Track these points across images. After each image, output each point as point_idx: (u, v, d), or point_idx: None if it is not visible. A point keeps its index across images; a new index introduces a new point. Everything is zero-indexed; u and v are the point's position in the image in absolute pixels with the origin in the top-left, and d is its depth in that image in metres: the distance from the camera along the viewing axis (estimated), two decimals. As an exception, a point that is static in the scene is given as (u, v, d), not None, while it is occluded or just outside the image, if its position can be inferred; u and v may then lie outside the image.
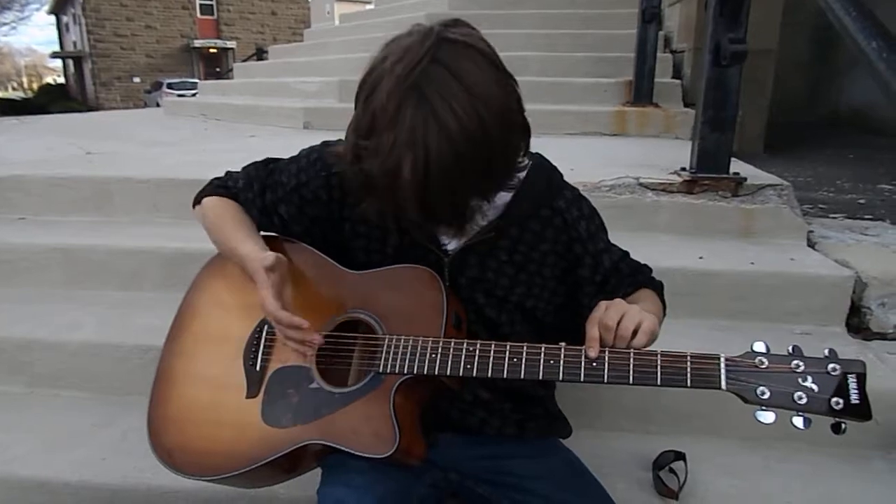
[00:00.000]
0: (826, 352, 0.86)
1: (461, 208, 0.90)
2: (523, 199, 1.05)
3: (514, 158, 0.93)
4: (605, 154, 2.84)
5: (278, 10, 31.81)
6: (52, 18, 35.72)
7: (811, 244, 2.00)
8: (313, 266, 1.15)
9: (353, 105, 0.91)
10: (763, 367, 0.86)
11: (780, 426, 0.83)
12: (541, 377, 0.93)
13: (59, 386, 1.73)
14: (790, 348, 0.87)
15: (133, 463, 1.42)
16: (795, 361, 0.86)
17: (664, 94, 3.57)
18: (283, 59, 6.10)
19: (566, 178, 1.16)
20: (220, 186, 1.22)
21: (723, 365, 0.87)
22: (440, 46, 0.83)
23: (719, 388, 0.87)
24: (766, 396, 0.85)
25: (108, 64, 28.46)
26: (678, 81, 3.74)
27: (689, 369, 0.88)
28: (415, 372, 0.98)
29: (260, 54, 10.26)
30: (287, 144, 1.31)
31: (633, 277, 1.13)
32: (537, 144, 1.03)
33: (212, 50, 30.31)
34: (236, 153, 3.02)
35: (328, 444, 1.00)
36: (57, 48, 35.50)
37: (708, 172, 2.07)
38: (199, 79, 22.39)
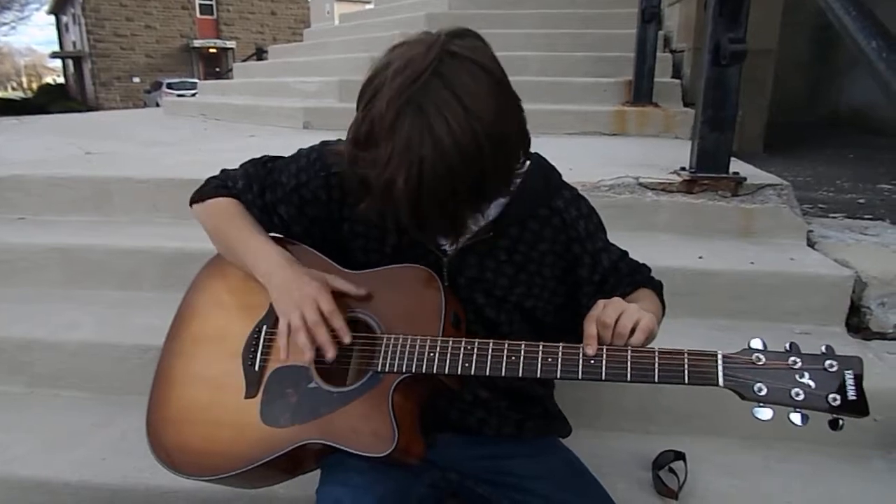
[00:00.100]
0: (823, 348, 0.86)
1: (453, 219, 0.91)
2: (522, 199, 1.05)
3: (508, 173, 0.94)
4: (605, 154, 2.84)
5: (278, 9, 31.81)
6: (52, 18, 35.74)
7: (811, 244, 2.00)
8: (313, 266, 1.15)
9: (352, 105, 0.91)
10: (760, 363, 0.87)
11: (780, 425, 0.83)
12: (539, 375, 0.94)
13: (59, 386, 1.73)
14: (787, 345, 0.88)
15: (133, 463, 1.41)
16: (792, 358, 0.86)
17: (664, 93, 3.57)
18: (282, 59, 6.10)
19: (566, 178, 1.16)
20: (221, 187, 1.22)
21: (720, 362, 0.88)
22: (443, 60, 0.84)
23: (716, 384, 0.87)
24: (763, 393, 0.85)
25: (108, 64, 28.45)
26: (678, 81, 3.74)
27: (686, 366, 0.89)
28: (413, 371, 0.98)
29: (260, 54, 10.26)
30: (287, 144, 1.31)
31: (631, 277, 1.14)
32: (537, 144, 1.03)
33: (211, 50, 30.31)
34: (236, 153, 2.99)
35: (327, 443, 1.00)
36: (56, 48, 35.52)
37: (707, 172, 2.06)
38: (199, 79, 22.39)
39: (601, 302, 0.96)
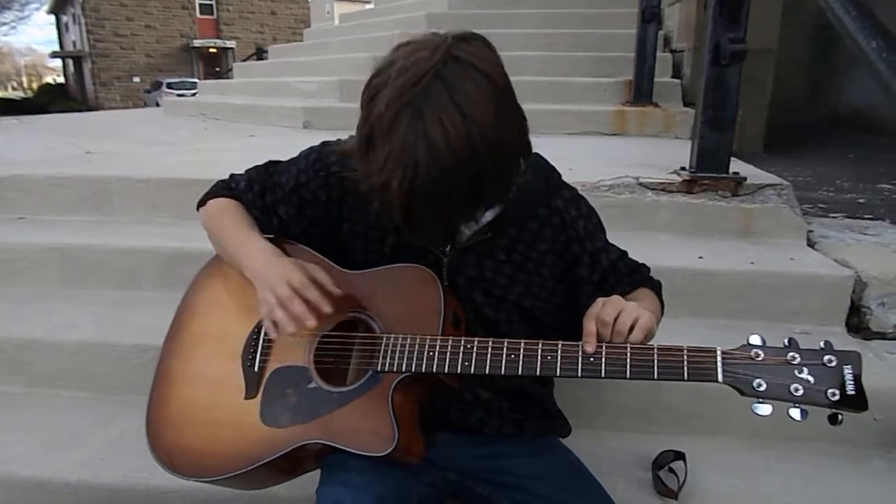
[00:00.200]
0: (822, 344, 0.86)
1: (446, 224, 0.91)
2: (521, 199, 1.05)
3: (506, 181, 0.93)
4: (605, 154, 2.84)
5: (278, 9, 31.80)
6: (52, 18, 35.73)
7: (811, 244, 2.00)
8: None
9: (352, 105, 0.92)
10: (759, 359, 0.87)
11: (780, 425, 0.84)
12: (538, 373, 0.94)
13: (59, 386, 1.73)
14: (786, 341, 0.88)
15: (132, 463, 1.41)
16: (791, 353, 0.86)
17: (664, 93, 3.57)
18: (282, 59, 6.10)
19: (566, 178, 1.16)
20: (223, 188, 1.23)
21: (719, 358, 0.88)
22: (447, 63, 0.83)
23: (716, 380, 0.87)
24: (762, 388, 0.85)
25: (108, 64, 28.45)
26: (678, 81, 3.74)
27: (685, 363, 0.89)
28: (412, 370, 0.98)
29: (260, 54, 10.26)
30: (287, 144, 1.31)
31: (631, 276, 1.14)
32: (537, 144, 1.03)
33: (211, 50, 30.31)
34: (236, 153, 3.02)
35: (327, 443, 1.00)
36: (57, 48, 35.50)
37: (708, 172, 2.06)
38: (199, 78, 22.40)
39: (600, 300, 0.96)
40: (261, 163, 1.24)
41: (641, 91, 3.50)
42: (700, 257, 1.84)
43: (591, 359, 0.92)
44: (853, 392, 0.82)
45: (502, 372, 0.95)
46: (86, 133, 4.28)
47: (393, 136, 0.82)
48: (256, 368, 1.11)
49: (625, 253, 1.17)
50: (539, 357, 0.94)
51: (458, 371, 0.97)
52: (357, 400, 1.01)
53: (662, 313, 1.15)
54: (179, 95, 14.31)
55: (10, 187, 2.35)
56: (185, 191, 2.14)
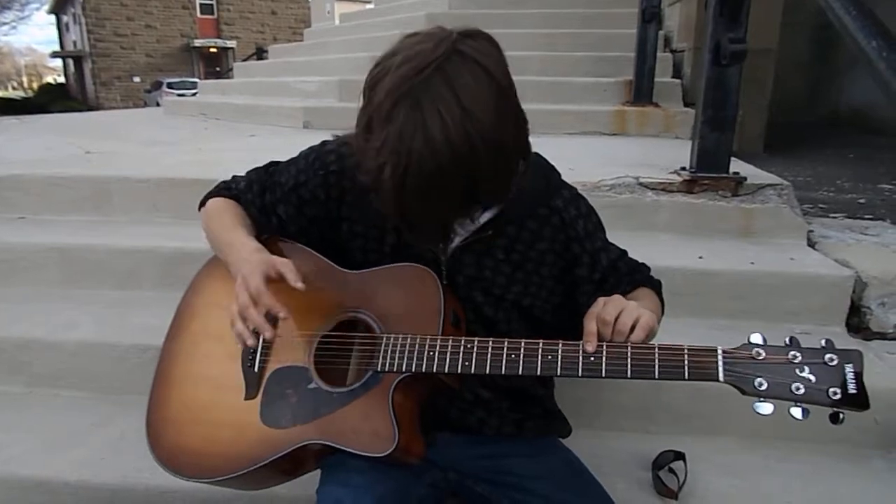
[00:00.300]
0: (823, 342, 0.86)
1: (438, 218, 0.91)
2: (521, 198, 1.05)
3: (502, 183, 0.92)
4: (605, 154, 2.84)
5: (278, 9, 31.81)
6: (52, 18, 35.72)
7: (811, 244, 2.00)
8: (311, 266, 1.15)
9: (352, 105, 0.92)
10: (760, 358, 0.87)
11: (780, 425, 0.84)
12: (539, 372, 0.94)
13: (58, 385, 1.73)
14: (787, 339, 0.88)
15: (132, 463, 1.41)
16: (792, 352, 0.86)
17: (664, 93, 3.57)
18: (283, 59, 6.10)
19: (566, 178, 1.16)
20: (223, 189, 1.24)
21: (720, 357, 0.88)
22: (450, 58, 0.83)
23: (717, 380, 0.87)
24: (763, 387, 0.85)
25: (108, 63, 28.46)
26: (678, 81, 3.74)
27: (686, 362, 0.89)
28: (413, 370, 0.98)
29: (260, 54, 10.26)
30: (287, 144, 1.31)
31: (631, 276, 1.14)
32: (537, 144, 1.03)
33: (212, 49, 30.31)
34: (236, 153, 3.02)
35: (327, 443, 1.00)
36: (57, 48, 35.51)
37: (708, 172, 2.06)
38: (199, 78, 22.39)
39: (601, 299, 0.96)
40: (262, 164, 1.24)
41: (642, 91, 3.50)
42: (700, 257, 1.83)
43: (592, 358, 0.91)
44: (855, 391, 0.82)
45: (503, 372, 0.95)
46: (86, 133, 4.28)
47: (390, 125, 0.82)
48: (256, 369, 1.10)
49: (624, 252, 1.17)
50: (539, 357, 0.94)
51: (459, 371, 0.97)
52: (357, 400, 1.01)
53: (663, 313, 1.15)
54: (180, 95, 14.32)
55: (10, 187, 2.35)
56: (185, 191, 2.14)
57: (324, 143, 1.15)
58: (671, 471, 1.39)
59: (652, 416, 1.54)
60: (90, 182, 2.33)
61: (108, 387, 1.70)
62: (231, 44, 30.01)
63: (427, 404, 1.07)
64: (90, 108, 23.21)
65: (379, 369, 1.00)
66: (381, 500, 0.98)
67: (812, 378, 0.84)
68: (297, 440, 1.02)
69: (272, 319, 1.01)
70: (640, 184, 2.07)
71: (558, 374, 0.94)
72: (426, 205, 0.86)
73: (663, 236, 2.05)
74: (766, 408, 0.85)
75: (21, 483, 1.42)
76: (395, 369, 0.99)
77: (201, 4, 30.07)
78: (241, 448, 1.05)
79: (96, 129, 4.68)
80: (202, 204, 1.24)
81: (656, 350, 0.90)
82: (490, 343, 0.97)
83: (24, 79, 60.75)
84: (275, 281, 1.03)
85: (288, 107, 4.11)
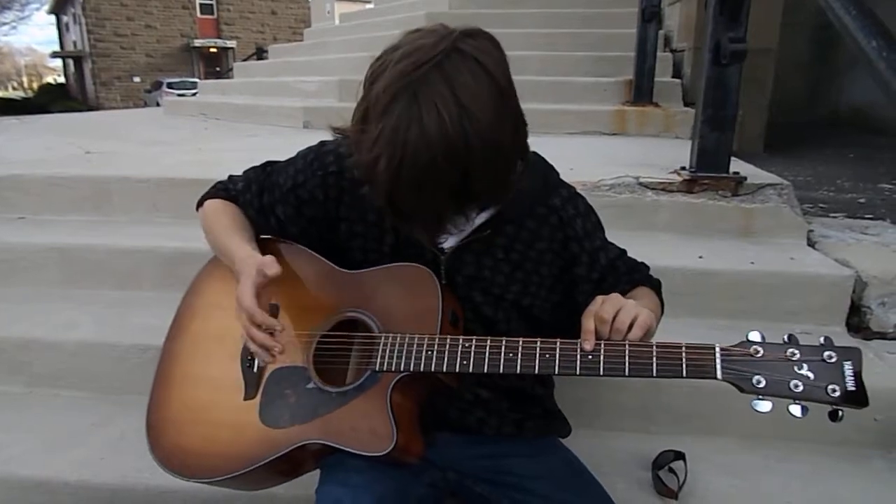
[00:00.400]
0: (822, 340, 0.86)
1: (431, 213, 0.91)
2: (519, 198, 1.05)
3: (499, 183, 0.91)
4: (605, 153, 2.84)
5: (278, 9, 31.82)
6: (52, 18, 35.73)
7: (811, 243, 2.00)
8: (310, 266, 1.15)
9: (352, 105, 0.92)
10: (758, 355, 0.86)
11: (780, 425, 0.84)
12: (537, 371, 0.94)
13: (58, 385, 1.73)
14: (786, 337, 0.87)
15: (132, 463, 1.41)
16: (791, 350, 0.86)
17: (664, 93, 3.57)
18: (283, 59, 6.10)
19: (566, 178, 1.16)
20: (221, 189, 1.24)
21: (718, 355, 0.87)
22: (449, 55, 0.83)
23: (715, 377, 0.87)
24: (761, 385, 0.85)
25: (109, 63, 28.46)
26: (678, 80, 3.74)
27: (684, 360, 0.88)
28: (411, 369, 0.98)
29: (260, 54, 10.27)
30: (287, 144, 1.31)
31: (630, 275, 1.14)
32: (537, 144, 1.03)
33: (212, 49, 30.32)
34: (236, 152, 3.02)
35: (326, 443, 1.00)
36: (57, 48, 35.51)
37: (708, 172, 2.06)
38: (199, 78, 22.41)
39: (599, 298, 0.96)
40: (259, 163, 1.24)
41: (642, 91, 3.50)
42: (700, 257, 1.83)
43: (590, 357, 0.91)
44: (854, 388, 0.81)
45: (501, 371, 0.95)
46: (86, 133, 4.28)
47: (386, 118, 0.82)
48: (255, 369, 1.10)
49: (623, 251, 1.17)
50: (537, 355, 0.94)
51: (457, 370, 0.96)
52: (356, 400, 1.01)
53: (662, 312, 1.15)
54: (180, 95, 14.32)
55: (10, 187, 2.35)
56: (185, 191, 2.13)
57: (322, 143, 1.15)
58: (671, 470, 1.39)
59: (652, 416, 1.54)
60: (90, 182, 2.33)
61: (108, 387, 1.70)
62: (231, 44, 30.02)
63: (426, 404, 1.07)
64: (90, 109, 23.22)
65: (377, 369, 1.00)
66: (380, 499, 0.98)
67: (811, 375, 0.83)
68: (295, 440, 1.02)
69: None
70: (640, 183, 2.07)
71: (556, 372, 0.94)
72: (419, 197, 0.86)
73: (663, 236, 2.05)
74: (764, 405, 0.84)
75: (21, 483, 1.42)
76: (393, 369, 0.99)
77: (201, 4, 30.07)
78: (240, 448, 1.05)
79: (96, 129, 4.68)
80: (199, 204, 1.24)
81: (654, 348, 0.90)
82: (488, 342, 0.97)
83: (24, 79, 60.79)
84: (271, 280, 1.03)
85: (288, 107, 4.11)
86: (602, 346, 0.92)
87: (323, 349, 1.08)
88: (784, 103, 4.34)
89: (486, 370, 0.95)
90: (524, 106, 0.93)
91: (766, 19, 3.48)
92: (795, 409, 0.83)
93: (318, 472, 1.10)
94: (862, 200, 2.70)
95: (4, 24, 34.88)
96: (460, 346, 0.97)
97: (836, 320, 1.74)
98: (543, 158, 1.14)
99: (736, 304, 1.76)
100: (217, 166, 2.45)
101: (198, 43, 29.84)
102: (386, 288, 1.07)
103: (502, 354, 0.95)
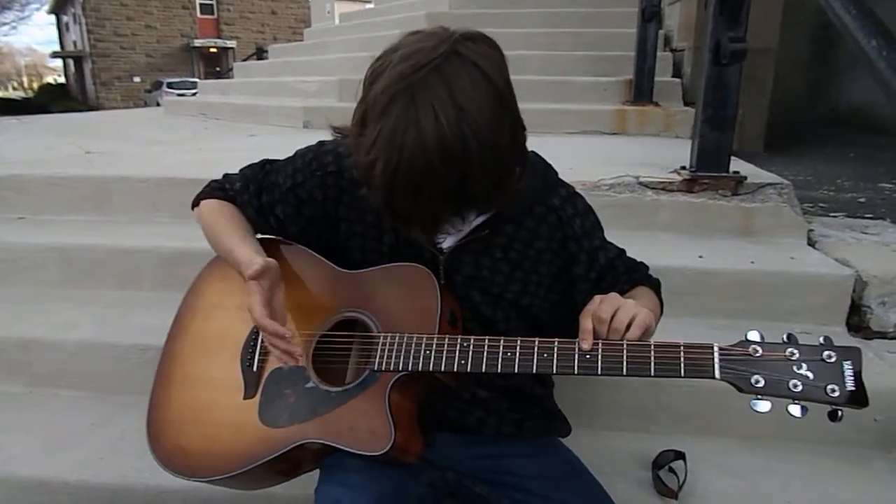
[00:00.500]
0: (821, 339, 0.85)
1: (427, 217, 0.90)
2: (518, 197, 1.05)
3: (497, 186, 0.91)
4: (605, 153, 2.84)
5: (278, 9, 31.82)
6: (52, 18, 35.73)
7: (811, 243, 2.00)
8: (309, 266, 1.15)
9: (352, 105, 0.91)
10: (757, 355, 0.86)
11: (780, 425, 0.83)
12: (535, 370, 0.94)
13: (58, 385, 1.73)
14: (785, 336, 0.87)
15: (132, 462, 1.41)
16: (790, 349, 0.85)
17: (664, 92, 3.56)
18: (282, 59, 6.10)
19: (566, 177, 1.16)
20: (218, 189, 1.23)
21: (716, 354, 0.87)
22: (448, 58, 0.83)
23: (713, 377, 0.86)
24: (760, 385, 0.84)
25: (109, 63, 28.46)
26: (678, 80, 3.74)
27: (682, 359, 0.88)
28: (409, 369, 0.98)
29: (260, 54, 10.27)
30: (287, 144, 1.31)
31: (628, 275, 1.13)
32: (537, 143, 1.03)
33: (212, 49, 30.32)
34: (236, 152, 3.02)
35: (325, 442, 1.00)
36: (57, 48, 35.51)
37: (708, 171, 2.06)
38: (199, 78, 22.42)
39: (597, 297, 0.96)
40: (256, 161, 1.24)
41: (642, 90, 3.50)
42: (700, 257, 1.83)
43: (588, 356, 0.91)
44: (853, 388, 0.81)
45: (499, 370, 0.95)
46: (86, 133, 4.28)
47: (384, 120, 0.82)
48: (255, 368, 1.11)
49: (623, 251, 1.17)
50: (535, 354, 0.94)
51: (455, 369, 0.96)
52: (354, 399, 1.01)
53: (662, 312, 1.15)
54: (180, 95, 14.34)
55: (10, 187, 2.35)
56: (185, 191, 2.10)
57: (321, 143, 1.15)
58: (671, 470, 1.38)
59: (651, 416, 1.54)
60: (90, 182, 2.33)
61: (108, 387, 1.70)
62: (231, 44, 30.02)
63: (425, 404, 1.07)
64: (90, 108, 23.23)
65: (376, 368, 1.01)
66: (379, 499, 0.98)
67: (810, 375, 0.83)
68: (295, 439, 1.02)
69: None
70: (640, 183, 2.07)
71: (554, 371, 0.93)
72: (417, 201, 0.86)
73: (663, 236, 2.05)
74: (763, 405, 0.84)
75: (21, 483, 1.42)
76: (391, 368, 0.99)
77: (201, 4, 30.07)
78: (240, 447, 1.05)
79: (96, 129, 4.68)
80: (195, 204, 1.24)
81: (652, 347, 0.90)
82: (486, 341, 0.97)
83: (25, 79, 60.80)
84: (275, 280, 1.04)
85: (288, 107, 4.11)
86: (600, 345, 0.91)
87: (322, 349, 1.08)
88: (784, 103, 4.34)
89: (484, 369, 0.95)
90: (524, 106, 0.92)
91: (766, 19, 3.48)
92: (795, 409, 0.83)
93: (317, 471, 1.10)
94: (862, 200, 2.70)
95: (4, 24, 34.93)
96: (458, 346, 0.97)
97: (836, 320, 1.74)
98: (542, 158, 1.14)
99: (736, 303, 1.76)
100: (217, 166, 2.42)
101: (198, 43, 29.84)
102: (385, 288, 1.07)
103: (500, 354, 0.95)
